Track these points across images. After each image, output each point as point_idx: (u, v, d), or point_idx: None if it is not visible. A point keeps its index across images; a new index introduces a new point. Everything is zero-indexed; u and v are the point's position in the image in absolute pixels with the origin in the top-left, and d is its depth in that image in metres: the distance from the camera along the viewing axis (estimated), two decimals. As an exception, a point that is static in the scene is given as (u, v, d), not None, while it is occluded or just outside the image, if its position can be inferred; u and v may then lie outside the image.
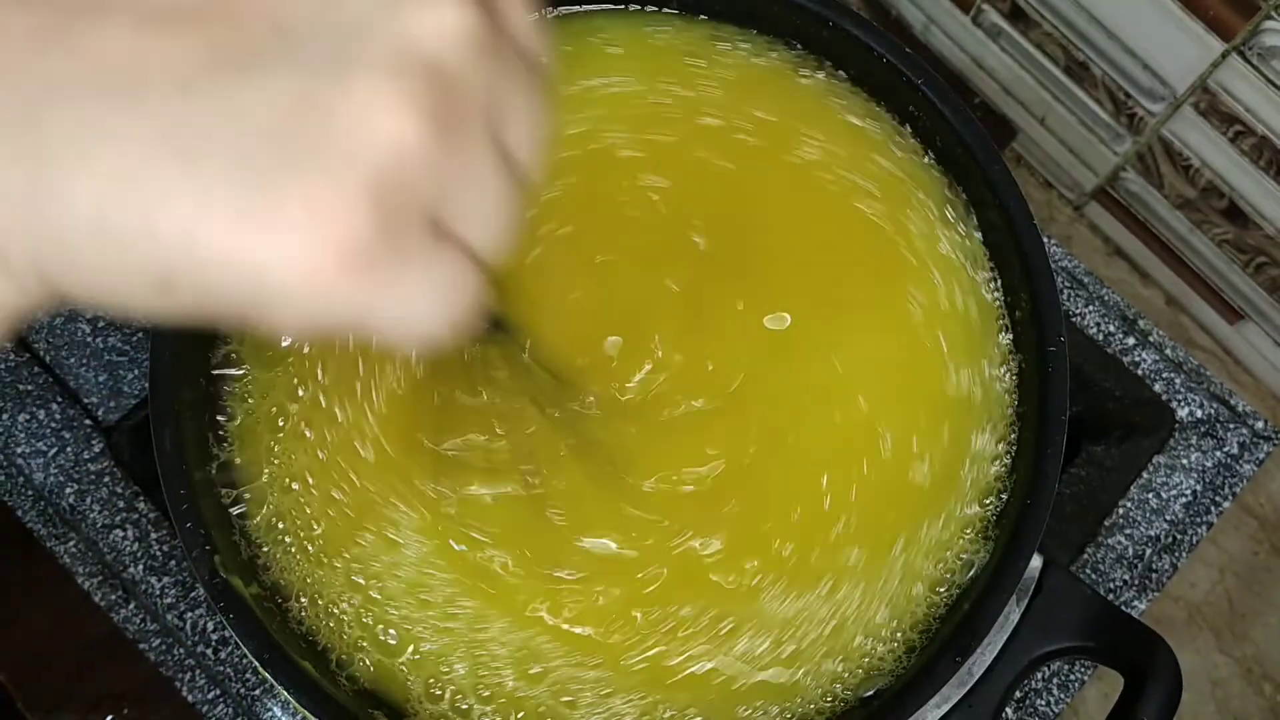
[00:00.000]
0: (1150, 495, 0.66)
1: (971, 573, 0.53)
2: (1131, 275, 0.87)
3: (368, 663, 0.51)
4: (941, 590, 0.53)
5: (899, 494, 0.54)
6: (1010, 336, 0.56)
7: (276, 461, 0.52)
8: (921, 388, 0.56)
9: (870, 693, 0.52)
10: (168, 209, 0.25)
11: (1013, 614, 0.52)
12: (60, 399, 0.64)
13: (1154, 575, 0.65)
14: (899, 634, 0.53)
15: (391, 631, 0.51)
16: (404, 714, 0.50)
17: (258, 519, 0.52)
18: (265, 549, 0.51)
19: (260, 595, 0.50)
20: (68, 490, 0.63)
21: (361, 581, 0.51)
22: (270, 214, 0.25)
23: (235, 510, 0.52)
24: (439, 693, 0.50)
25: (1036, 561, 0.53)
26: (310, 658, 0.50)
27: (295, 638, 0.50)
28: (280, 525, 0.52)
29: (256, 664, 0.48)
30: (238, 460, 0.53)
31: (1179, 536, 0.66)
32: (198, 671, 0.62)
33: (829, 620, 0.53)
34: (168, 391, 0.51)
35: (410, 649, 0.51)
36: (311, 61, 0.26)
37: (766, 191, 0.58)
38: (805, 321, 0.56)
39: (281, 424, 0.53)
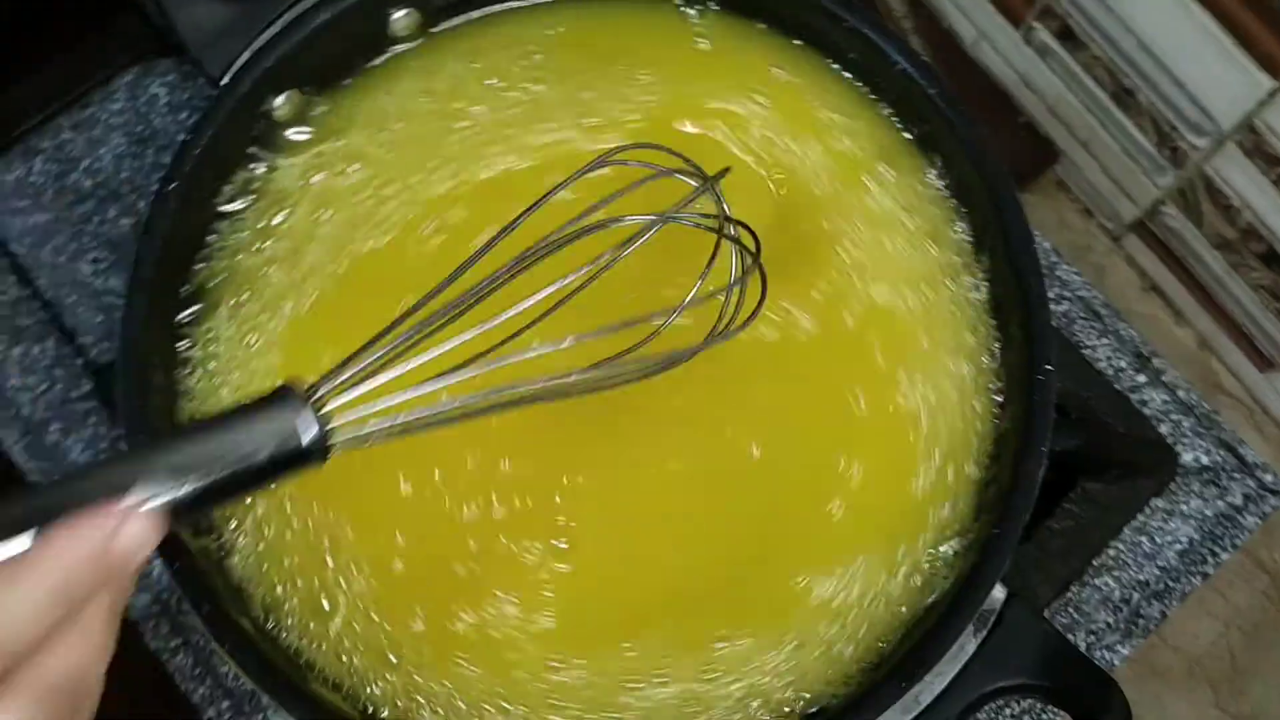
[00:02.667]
0: (1144, 539, 0.64)
1: (932, 598, 0.52)
2: (1165, 313, 0.84)
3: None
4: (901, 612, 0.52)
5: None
6: (999, 360, 0.55)
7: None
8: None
9: (814, 710, 0.51)
10: None
11: (968, 645, 0.51)
12: (56, 336, 0.65)
13: (1141, 621, 0.63)
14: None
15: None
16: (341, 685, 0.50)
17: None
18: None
19: (206, 549, 0.50)
20: (53, 427, 0.63)
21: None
22: None
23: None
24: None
25: (1000, 593, 0.51)
26: (249, 616, 0.49)
27: (237, 592, 0.50)
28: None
29: (197, 615, 0.48)
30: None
31: (1171, 584, 0.63)
32: (163, 619, 0.62)
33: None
34: (135, 341, 0.51)
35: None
36: None
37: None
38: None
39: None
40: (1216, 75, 0.70)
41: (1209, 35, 0.68)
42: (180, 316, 0.54)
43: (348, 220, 0.56)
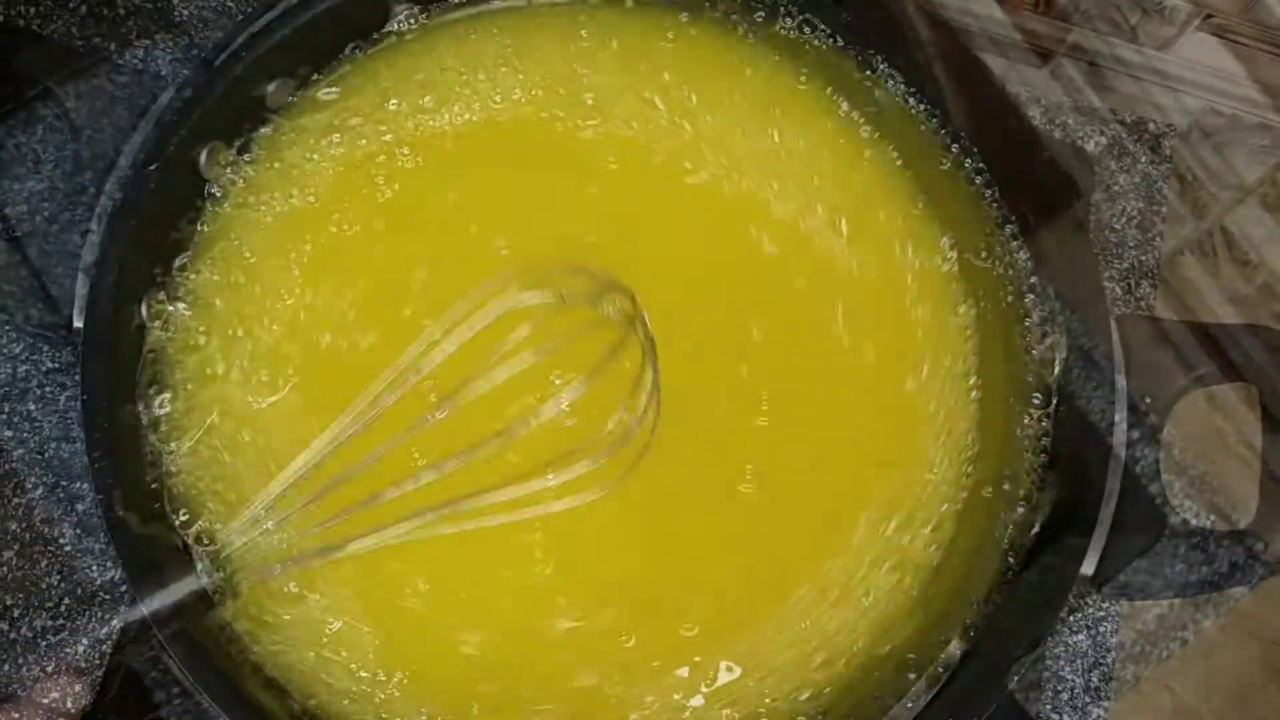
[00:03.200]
0: (1123, 599, 0.62)
1: (887, 647, 0.50)
2: (1175, 365, 0.82)
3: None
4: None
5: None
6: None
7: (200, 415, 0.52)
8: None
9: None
10: None
11: (921, 698, 0.49)
12: (41, 305, 0.64)
13: (1113, 682, 0.61)
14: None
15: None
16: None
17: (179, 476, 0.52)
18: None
19: (154, 536, 0.50)
20: (29, 397, 0.63)
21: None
22: None
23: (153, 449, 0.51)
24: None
25: (957, 648, 0.50)
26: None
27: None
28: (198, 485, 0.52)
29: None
30: (168, 407, 0.52)
31: (1147, 648, 0.62)
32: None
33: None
34: (105, 320, 0.51)
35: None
36: None
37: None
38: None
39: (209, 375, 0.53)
40: (1243, 126, 0.68)
41: (1237, 85, 0.66)
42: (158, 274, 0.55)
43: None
